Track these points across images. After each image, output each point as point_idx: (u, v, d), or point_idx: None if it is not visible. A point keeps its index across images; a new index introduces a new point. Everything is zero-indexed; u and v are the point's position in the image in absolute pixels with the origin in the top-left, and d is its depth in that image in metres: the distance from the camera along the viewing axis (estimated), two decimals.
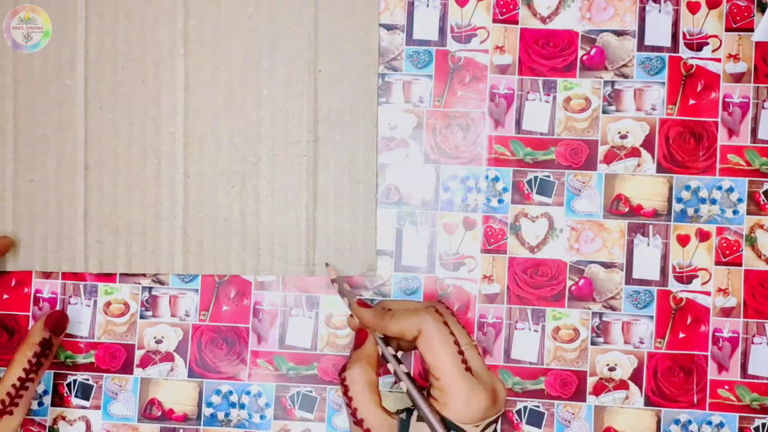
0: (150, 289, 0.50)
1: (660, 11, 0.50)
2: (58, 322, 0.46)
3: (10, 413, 0.40)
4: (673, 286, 0.49)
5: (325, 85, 0.49)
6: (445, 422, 0.37)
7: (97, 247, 0.49)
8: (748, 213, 0.49)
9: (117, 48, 0.49)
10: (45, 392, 0.50)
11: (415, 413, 0.38)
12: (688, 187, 0.49)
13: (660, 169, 0.49)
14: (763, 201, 0.49)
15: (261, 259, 0.49)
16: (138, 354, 0.50)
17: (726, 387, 0.49)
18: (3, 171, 0.49)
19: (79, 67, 0.49)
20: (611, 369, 0.49)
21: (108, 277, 0.50)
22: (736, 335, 0.49)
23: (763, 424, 0.48)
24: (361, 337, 0.41)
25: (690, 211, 0.49)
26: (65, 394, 0.50)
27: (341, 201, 0.49)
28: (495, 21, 0.50)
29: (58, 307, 0.50)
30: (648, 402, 0.49)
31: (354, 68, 0.49)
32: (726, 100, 0.49)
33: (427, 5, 0.50)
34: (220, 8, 0.49)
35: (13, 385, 0.40)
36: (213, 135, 0.49)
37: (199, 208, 0.49)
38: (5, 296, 0.50)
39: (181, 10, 0.49)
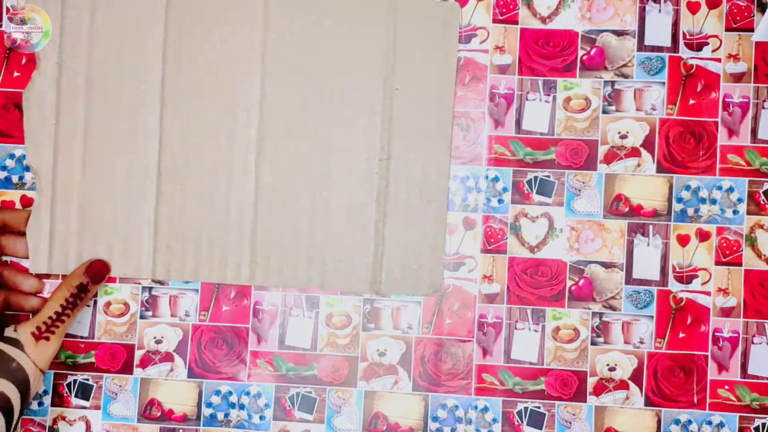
0: (150, 289, 0.50)
1: (660, 11, 0.50)
2: (97, 270, 0.47)
3: (47, 339, 0.45)
4: (673, 286, 0.49)
5: (400, 103, 0.49)
6: None
7: (165, 253, 0.49)
8: (748, 213, 0.49)
9: (195, 56, 0.49)
10: (45, 392, 0.50)
11: None
12: (688, 187, 0.49)
13: (660, 169, 0.49)
14: (763, 201, 0.49)
15: (327, 274, 0.49)
16: (138, 354, 0.50)
17: (726, 387, 0.49)
18: (71, 173, 0.49)
19: (156, 73, 0.49)
20: (611, 369, 0.49)
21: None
22: (736, 335, 0.49)
23: (763, 424, 0.48)
24: None
25: (690, 211, 0.49)
26: (65, 394, 0.50)
27: (411, 220, 0.49)
28: (495, 21, 0.50)
29: None
30: (648, 402, 0.49)
31: (431, 87, 0.49)
32: (726, 100, 0.49)
33: None
34: (300, 22, 0.49)
35: (50, 317, 0.45)
36: (286, 148, 0.49)
37: (268, 220, 0.49)
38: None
39: (260, 22, 0.49)
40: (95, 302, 0.50)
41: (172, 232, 0.49)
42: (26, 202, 0.51)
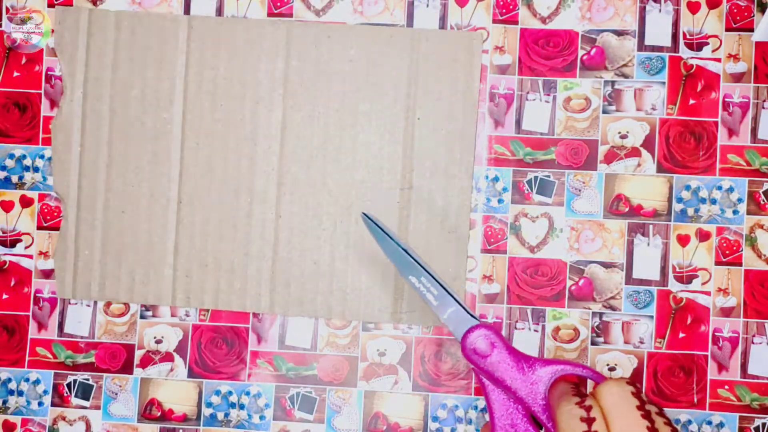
0: None
1: (660, 11, 0.50)
2: None
3: None
4: (673, 286, 0.49)
5: (422, 132, 0.49)
6: None
7: (185, 281, 0.49)
8: (748, 213, 0.49)
9: (217, 84, 0.49)
10: (45, 392, 0.50)
11: None
12: (688, 187, 0.49)
13: (660, 169, 0.49)
14: (763, 201, 0.49)
15: (347, 303, 0.49)
16: (138, 354, 0.50)
17: (726, 387, 0.49)
18: (94, 200, 0.49)
19: (178, 101, 0.49)
20: (611, 369, 0.49)
21: None
22: (736, 335, 0.49)
23: (763, 424, 0.48)
24: None
25: (690, 211, 0.49)
26: (65, 394, 0.50)
27: (432, 250, 0.48)
28: (495, 21, 0.50)
29: (58, 307, 0.50)
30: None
31: (452, 117, 0.49)
32: (726, 100, 0.49)
33: (427, 5, 0.50)
34: (322, 51, 0.49)
35: None
36: (307, 177, 0.49)
37: (288, 249, 0.49)
38: (5, 296, 0.50)
39: (282, 51, 0.49)
40: (95, 302, 0.50)
41: (192, 259, 0.49)
42: (26, 202, 0.50)
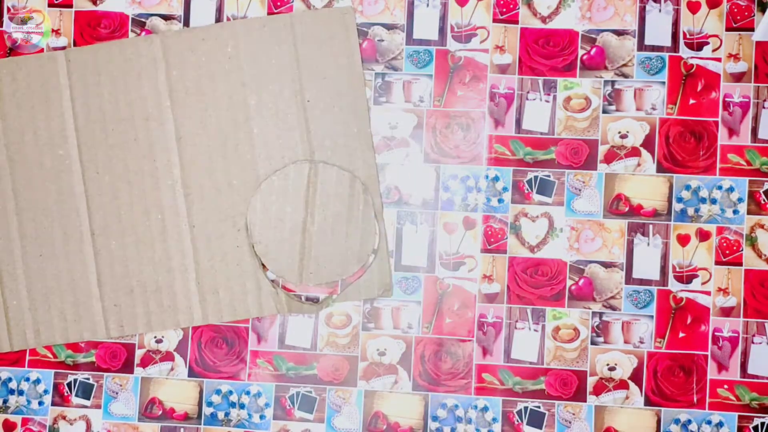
0: None
1: (660, 11, 0.50)
2: None
3: None
4: (673, 285, 0.49)
5: (315, 114, 0.49)
6: None
7: (114, 311, 0.49)
8: (749, 213, 0.49)
9: (104, 110, 0.49)
10: (45, 392, 0.50)
11: None
12: (688, 187, 0.49)
13: (660, 168, 0.49)
14: (764, 200, 0.49)
15: (280, 297, 0.49)
16: (138, 353, 0.50)
17: (726, 386, 0.49)
18: (11, 250, 0.49)
19: (71, 135, 0.49)
20: (611, 369, 0.49)
21: None
22: (736, 335, 0.49)
23: (763, 423, 0.48)
24: None
25: (690, 211, 0.49)
26: (65, 394, 0.50)
27: (349, 228, 0.49)
28: (495, 21, 0.50)
29: None
30: (648, 402, 0.49)
31: (341, 92, 0.49)
32: (726, 99, 0.49)
33: (427, 5, 0.50)
34: (199, 54, 0.49)
35: None
36: (211, 181, 0.49)
37: (209, 256, 0.49)
38: None
39: (161, 63, 0.49)
40: None
41: (117, 288, 0.49)
42: None
